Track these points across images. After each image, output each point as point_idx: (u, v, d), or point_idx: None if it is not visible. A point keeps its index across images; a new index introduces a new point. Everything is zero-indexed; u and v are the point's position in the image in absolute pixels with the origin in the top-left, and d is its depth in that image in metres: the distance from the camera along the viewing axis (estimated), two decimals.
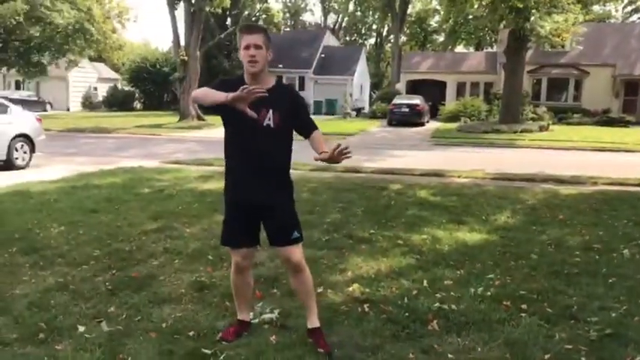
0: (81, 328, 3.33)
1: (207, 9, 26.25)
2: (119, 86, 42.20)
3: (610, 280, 4.28)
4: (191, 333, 3.28)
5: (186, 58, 25.42)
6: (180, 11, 26.46)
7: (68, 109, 38.83)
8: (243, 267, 3.22)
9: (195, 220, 6.16)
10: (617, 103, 30.98)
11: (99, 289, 3.99)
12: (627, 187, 9.11)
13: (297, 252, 3.08)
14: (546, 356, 3.05)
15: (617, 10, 49.29)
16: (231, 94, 2.74)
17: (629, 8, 47.45)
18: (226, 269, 4.48)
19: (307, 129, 3.05)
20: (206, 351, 3.05)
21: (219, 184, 8.57)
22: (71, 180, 8.89)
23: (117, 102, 39.52)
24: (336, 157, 2.76)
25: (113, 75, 45.24)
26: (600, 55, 31.96)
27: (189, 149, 15.26)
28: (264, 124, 2.94)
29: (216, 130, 22.00)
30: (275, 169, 3.03)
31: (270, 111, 2.94)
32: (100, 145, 16.50)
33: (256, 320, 3.45)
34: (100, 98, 41.44)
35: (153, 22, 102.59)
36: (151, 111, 36.36)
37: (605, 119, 27.52)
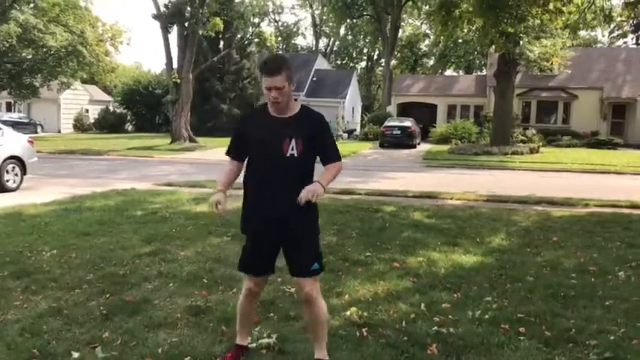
0: (75, 354, 3.26)
1: (201, 32, 26.46)
2: (111, 108, 42.13)
3: (607, 303, 4.29)
4: (187, 358, 3.22)
5: (178, 80, 25.52)
6: (174, 34, 26.67)
7: (59, 131, 38.68)
8: (255, 293, 3.20)
9: (189, 243, 6.11)
10: (605, 125, 31.38)
11: (93, 314, 3.93)
12: (619, 209, 9.17)
13: (309, 283, 3.02)
14: None
15: (603, 35, 50.31)
16: (216, 193, 3.08)
17: (615, 33, 48.40)
18: (222, 293, 4.45)
19: (324, 158, 3.03)
20: None
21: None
22: (63, 202, 8.82)
23: (108, 124, 39.44)
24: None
25: (105, 97, 45.24)
26: (588, 78, 32.49)
27: (182, 171, 15.22)
28: (288, 154, 2.91)
29: (208, 152, 22.02)
30: (295, 201, 2.89)
31: (293, 140, 2.92)
32: (92, 167, 16.43)
33: (254, 345, 3.41)
34: (92, 120, 41.37)
35: (146, 44, 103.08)
36: (142, 133, 36.30)
37: (593, 141, 27.87)
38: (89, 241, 6.13)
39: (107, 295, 4.33)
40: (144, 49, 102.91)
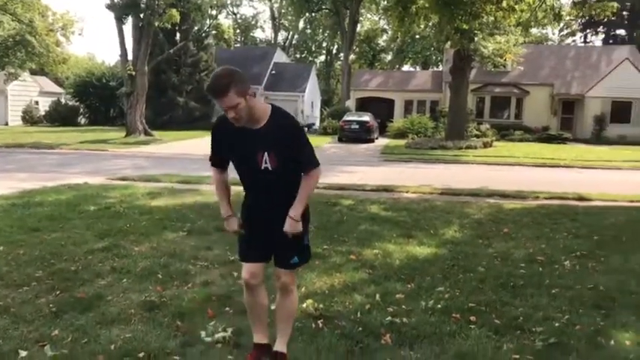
0: (23, 353, 3.17)
1: (156, 24, 25.90)
2: (63, 100, 40.79)
3: (553, 291, 4.46)
4: (141, 354, 3.18)
5: (133, 72, 24.95)
6: (128, 26, 26.03)
7: (7, 124, 37.23)
8: (253, 286, 3.10)
9: (143, 238, 6.01)
10: (555, 120, 32.46)
11: (42, 312, 3.83)
12: (567, 201, 9.53)
13: (287, 275, 3.06)
14: None
15: (554, 33, 51.93)
16: (226, 222, 3.07)
17: (565, 31, 50.05)
18: (177, 288, 4.41)
19: (300, 167, 2.91)
20: None
21: (168, 201, 8.43)
22: (11, 197, 8.52)
23: (60, 117, 38.16)
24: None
25: (56, 89, 43.76)
26: (539, 75, 33.51)
27: (137, 165, 14.91)
28: (262, 167, 2.85)
29: (164, 146, 21.65)
30: (284, 204, 2.90)
31: (265, 154, 2.83)
32: (43, 161, 15.90)
33: (209, 339, 3.39)
34: (42, 113, 39.97)
35: (99, 35, 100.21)
36: (96, 126, 35.34)
37: (544, 136, 28.78)
38: (39, 237, 5.95)
39: (57, 292, 4.22)
40: (97, 40, 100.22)
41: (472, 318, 3.83)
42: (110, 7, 24.78)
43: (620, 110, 30.64)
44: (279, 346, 3.13)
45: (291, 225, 2.89)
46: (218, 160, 3.05)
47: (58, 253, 5.28)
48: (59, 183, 10.25)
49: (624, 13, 45.40)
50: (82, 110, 40.58)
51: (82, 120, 40.28)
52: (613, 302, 4.24)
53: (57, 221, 6.77)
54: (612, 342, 3.50)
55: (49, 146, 20.35)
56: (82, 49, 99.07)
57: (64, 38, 31.62)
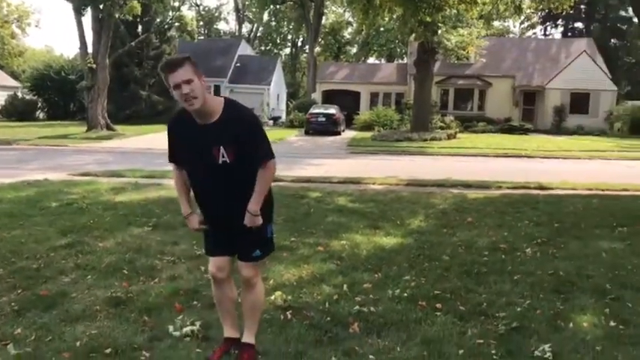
0: None
1: (117, 15, 25.33)
2: (19, 94, 39.55)
3: (515, 277, 4.59)
4: (108, 350, 3.15)
5: (94, 65, 24.35)
6: (88, 17, 25.35)
7: None
8: (219, 279, 3.09)
9: (107, 233, 5.91)
10: (517, 112, 33.20)
11: (3, 310, 3.73)
12: (528, 190, 9.78)
13: (249, 269, 3.05)
14: (460, 352, 3.21)
15: (515, 26, 52.97)
16: (189, 220, 3.02)
17: (525, 24, 51.11)
18: (143, 283, 4.36)
19: (255, 159, 2.86)
20: None
21: (132, 196, 8.30)
22: None
23: (17, 111, 36.94)
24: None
25: (12, 82, 42.35)
26: (501, 67, 34.18)
27: (100, 160, 14.61)
28: (220, 161, 2.81)
29: (127, 141, 21.27)
30: (243, 198, 2.87)
31: (222, 148, 2.79)
32: (0, 157, 15.42)
33: (177, 333, 3.37)
34: None
35: (57, 27, 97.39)
36: (56, 121, 34.39)
37: (507, 127, 29.41)
38: None
39: (19, 291, 4.12)
40: (55, 33, 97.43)
41: (438, 305, 3.91)
42: None
43: (578, 101, 31.55)
44: (247, 338, 3.15)
45: (250, 219, 2.88)
46: (176, 158, 3.02)
47: (18, 251, 5.14)
48: (18, 180, 9.96)
49: (582, 6, 46.61)
50: (40, 105, 39.38)
51: (41, 115, 39.12)
52: (572, 286, 4.39)
53: (17, 218, 6.59)
54: (571, 324, 3.63)
55: (5, 142, 19.72)
56: (39, 41, 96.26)
57: (19, 30, 30.72)
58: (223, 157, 2.80)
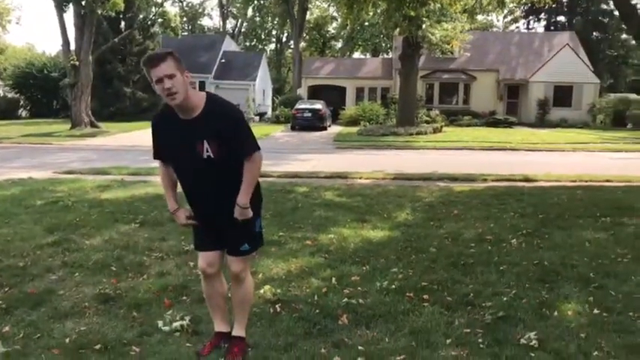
0: None
1: (100, 12, 25.04)
2: (1, 93, 39.02)
3: (501, 268, 4.65)
4: (97, 346, 3.15)
5: (77, 62, 24.09)
6: (70, 14, 25.05)
7: None
8: (209, 274, 3.10)
9: (94, 231, 5.89)
10: (501, 105, 33.46)
11: None
12: (514, 183, 9.88)
13: (238, 263, 3.05)
14: (447, 341, 3.26)
15: (498, 20, 53.33)
16: (177, 216, 3.02)
17: (508, 18, 51.44)
18: (132, 279, 4.36)
19: (240, 154, 2.85)
20: None
21: (118, 194, 8.26)
22: None
23: None
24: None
25: None
26: (485, 61, 34.39)
27: (85, 158, 14.48)
28: (205, 156, 2.81)
29: (111, 138, 21.09)
30: (230, 194, 2.87)
31: (205, 142, 2.79)
32: None
33: (167, 328, 3.38)
34: None
35: (38, 24, 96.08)
36: (39, 119, 33.95)
37: (491, 120, 29.63)
38: None
39: (6, 289, 4.10)
40: (37, 30, 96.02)
41: (425, 296, 3.96)
42: None
43: (561, 94, 31.86)
44: (237, 331, 3.17)
45: (240, 212, 2.89)
46: (161, 154, 3.02)
47: (4, 250, 5.11)
48: (2, 178, 9.86)
49: (564, 0, 47.05)
50: (22, 103, 38.89)
51: (23, 113, 38.62)
52: (557, 276, 4.46)
53: (2, 217, 6.53)
54: (556, 313, 3.69)
55: None
56: (20, 39, 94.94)
57: None
58: (207, 151, 2.80)
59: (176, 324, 3.42)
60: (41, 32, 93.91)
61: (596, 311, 3.70)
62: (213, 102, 2.85)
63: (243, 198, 2.87)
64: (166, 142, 2.93)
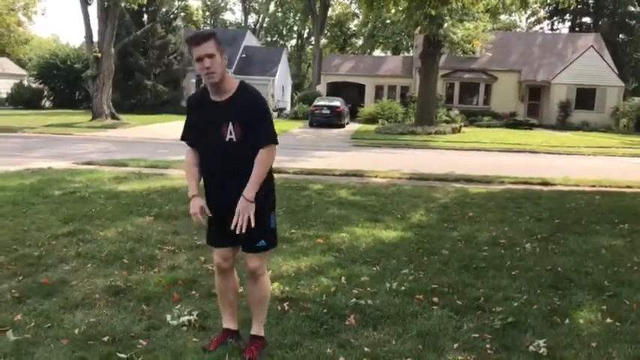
0: None
1: (123, 5, 25.30)
2: (26, 83, 39.63)
3: (513, 273, 4.60)
4: (106, 338, 3.18)
5: (99, 54, 24.37)
6: (94, 6, 25.34)
7: None
8: (224, 269, 3.10)
9: (109, 223, 5.95)
10: (522, 107, 33.05)
11: (4, 297, 3.78)
12: (531, 186, 9.76)
13: (255, 260, 3.03)
14: (455, 345, 3.23)
15: (521, 21, 52.63)
16: (192, 202, 2.93)
17: (532, 19, 50.78)
18: (143, 272, 4.40)
19: (257, 141, 2.88)
20: (122, 355, 2.98)
21: (135, 186, 8.34)
22: None
23: (23, 100, 37.08)
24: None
25: (19, 71, 42.48)
26: (507, 61, 33.98)
27: (104, 149, 14.65)
28: (227, 139, 2.86)
29: (131, 130, 21.30)
30: (243, 184, 2.86)
31: (230, 124, 2.86)
32: (5, 144, 15.46)
33: (175, 322, 3.40)
34: (4, 95, 38.76)
35: (63, 16, 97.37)
36: (61, 109, 34.47)
37: (512, 122, 29.32)
38: (0, 222, 5.83)
39: (20, 278, 4.17)
40: (62, 21, 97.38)
41: (435, 299, 3.92)
42: None
43: (584, 97, 31.37)
44: (256, 330, 3.16)
45: (244, 206, 2.83)
46: (188, 134, 3.05)
47: (20, 239, 5.19)
48: (22, 167, 10.02)
49: (590, 1, 46.28)
50: (46, 93, 39.48)
51: (47, 103, 39.23)
52: (570, 283, 4.39)
53: (20, 206, 6.63)
54: (567, 320, 3.64)
55: (11, 130, 19.81)
56: (45, 30, 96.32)
57: (25, 18, 30.72)
58: (231, 134, 2.87)
59: (184, 318, 3.44)
60: (66, 24, 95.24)
61: (608, 320, 3.64)
62: (244, 88, 2.96)
63: (250, 191, 2.85)
64: (196, 121, 3.01)
